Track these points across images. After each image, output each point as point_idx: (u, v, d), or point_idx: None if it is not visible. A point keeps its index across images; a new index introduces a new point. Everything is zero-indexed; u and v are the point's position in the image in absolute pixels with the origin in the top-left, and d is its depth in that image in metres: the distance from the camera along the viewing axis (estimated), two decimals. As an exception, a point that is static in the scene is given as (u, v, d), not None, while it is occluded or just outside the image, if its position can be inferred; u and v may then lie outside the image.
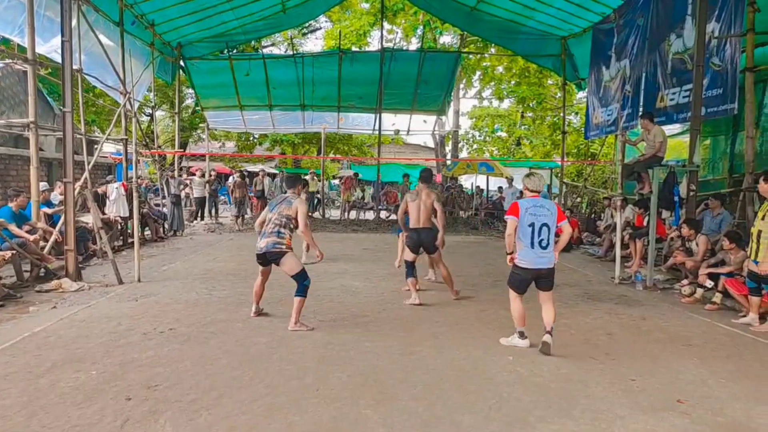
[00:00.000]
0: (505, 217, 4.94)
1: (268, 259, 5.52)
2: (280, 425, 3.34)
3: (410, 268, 6.57)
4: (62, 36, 7.68)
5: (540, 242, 4.73)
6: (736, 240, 6.83)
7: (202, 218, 16.87)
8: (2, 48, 11.99)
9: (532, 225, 4.73)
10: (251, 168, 27.58)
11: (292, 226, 5.44)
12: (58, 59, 8.79)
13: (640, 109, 11.40)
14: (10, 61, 11.05)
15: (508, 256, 4.91)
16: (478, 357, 4.70)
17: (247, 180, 17.13)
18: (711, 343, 5.26)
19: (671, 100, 10.30)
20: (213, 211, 17.28)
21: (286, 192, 5.80)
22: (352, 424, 3.38)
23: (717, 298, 6.64)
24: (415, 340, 5.13)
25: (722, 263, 7.00)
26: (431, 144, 30.51)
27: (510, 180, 15.44)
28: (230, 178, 19.80)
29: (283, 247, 5.36)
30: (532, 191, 4.97)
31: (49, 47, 9.83)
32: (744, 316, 6.10)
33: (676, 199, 8.66)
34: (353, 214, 19.26)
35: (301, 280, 5.42)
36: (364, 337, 5.18)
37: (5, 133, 12.27)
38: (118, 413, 3.44)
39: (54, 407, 3.50)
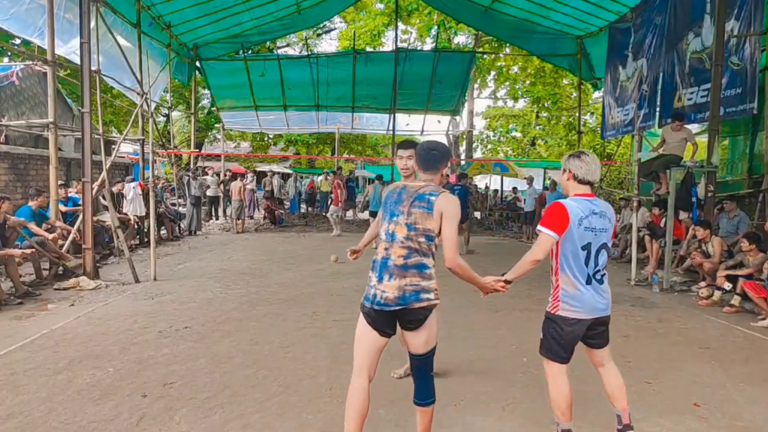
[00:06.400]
0: (540, 227, 2.95)
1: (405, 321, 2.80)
2: (293, 424, 3.36)
3: None
4: (81, 38, 7.79)
5: (596, 274, 2.97)
6: (756, 241, 6.72)
7: (217, 218, 17.01)
8: (23, 50, 12.21)
9: (587, 248, 2.92)
10: (265, 168, 27.77)
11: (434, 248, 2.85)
12: (77, 60, 8.93)
13: (657, 108, 11.27)
14: (31, 62, 11.24)
15: (502, 284, 3.03)
16: (491, 358, 4.67)
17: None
18: (729, 347, 5.18)
19: (689, 99, 10.16)
20: (227, 210, 17.40)
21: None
22: (366, 424, 3.37)
23: (735, 300, 6.53)
24: (429, 341, 5.11)
25: (741, 265, 6.89)
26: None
27: (530, 180, 15.27)
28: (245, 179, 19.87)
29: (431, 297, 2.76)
30: (582, 183, 3.00)
31: (68, 49, 9.98)
32: (763, 319, 6.00)
33: (693, 200, 8.55)
34: (366, 214, 19.27)
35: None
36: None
37: (25, 133, 12.48)
38: (134, 410, 3.48)
39: (71, 403, 3.55)
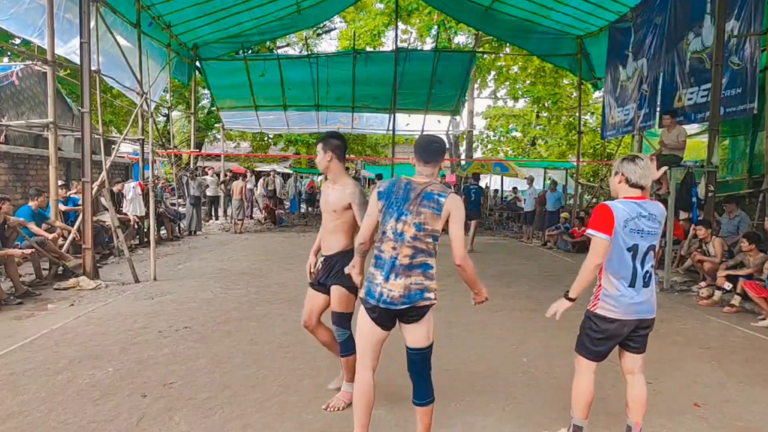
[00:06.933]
0: (590, 231, 2.94)
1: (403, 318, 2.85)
2: (293, 424, 3.36)
3: None
4: (81, 37, 7.79)
5: (644, 276, 2.93)
6: (755, 241, 6.72)
7: (216, 218, 17.01)
8: (22, 49, 12.20)
9: (634, 249, 2.89)
10: (265, 168, 27.75)
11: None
12: (77, 60, 8.91)
13: (658, 108, 11.26)
14: (31, 62, 11.24)
15: (567, 303, 2.99)
16: (491, 358, 4.67)
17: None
18: (729, 347, 5.18)
19: (689, 99, 10.16)
20: (228, 210, 17.40)
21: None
22: (365, 424, 3.38)
23: (735, 300, 6.53)
24: (429, 341, 5.11)
25: (741, 265, 6.89)
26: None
27: (531, 180, 15.25)
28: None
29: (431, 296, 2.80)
30: (634, 186, 2.96)
31: (68, 49, 9.98)
32: (763, 319, 6.00)
33: (694, 200, 8.55)
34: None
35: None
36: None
37: (25, 133, 12.47)
38: (134, 410, 3.48)
39: (71, 403, 3.55)
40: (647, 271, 2.94)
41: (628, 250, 2.88)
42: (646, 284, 2.94)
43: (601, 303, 2.96)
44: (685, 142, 8.64)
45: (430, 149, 2.87)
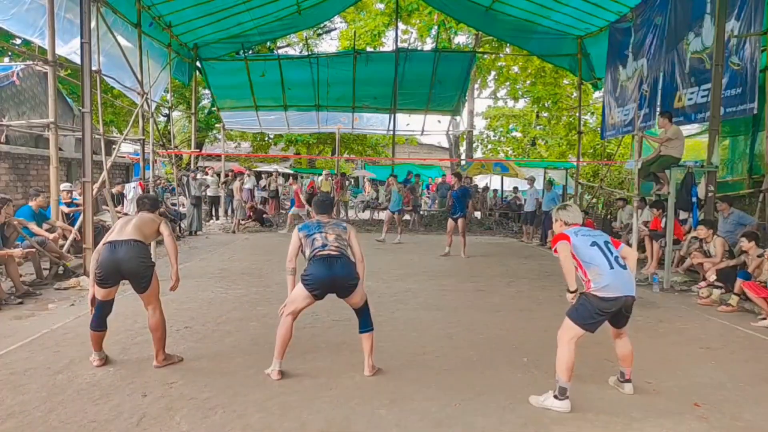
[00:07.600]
0: (554, 249, 3.77)
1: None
2: (293, 424, 3.36)
3: None
4: (81, 38, 7.80)
5: (617, 260, 3.69)
6: (754, 239, 6.76)
7: (217, 218, 17.01)
8: (23, 50, 12.21)
9: (595, 244, 3.73)
10: (265, 168, 27.77)
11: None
12: (78, 60, 8.93)
13: (658, 108, 11.28)
14: (31, 62, 11.25)
15: (570, 295, 3.78)
16: (492, 358, 4.67)
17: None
18: (729, 346, 5.19)
19: (689, 99, 10.17)
20: (230, 210, 17.39)
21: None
22: (366, 424, 3.39)
23: (733, 300, 6.54)
24: (429, 341, 5.12)
25: (744, 265, 6.90)
26: (445, 144, 30.46)
27: (532, 180, 15.22)
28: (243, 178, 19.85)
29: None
30: (570, 225, 3.94)
31: (69, 49, 9.99)
32: (763, 318, 6.00)
33: (693, 200, 8.54)
34: (367, 214, 19.36)
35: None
36: (377, 337, 5.17)
37: (26, 133, 12.49)
38: (135, 409, 3.48)
39: (72, 403, 3.56)
40: (616, 256, 3.70)
41: (591, 245, 3.70)
42: (623, 267, 3.69)
43: (593, 285, 3.61)
44: (671, 141, 8.65)
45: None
